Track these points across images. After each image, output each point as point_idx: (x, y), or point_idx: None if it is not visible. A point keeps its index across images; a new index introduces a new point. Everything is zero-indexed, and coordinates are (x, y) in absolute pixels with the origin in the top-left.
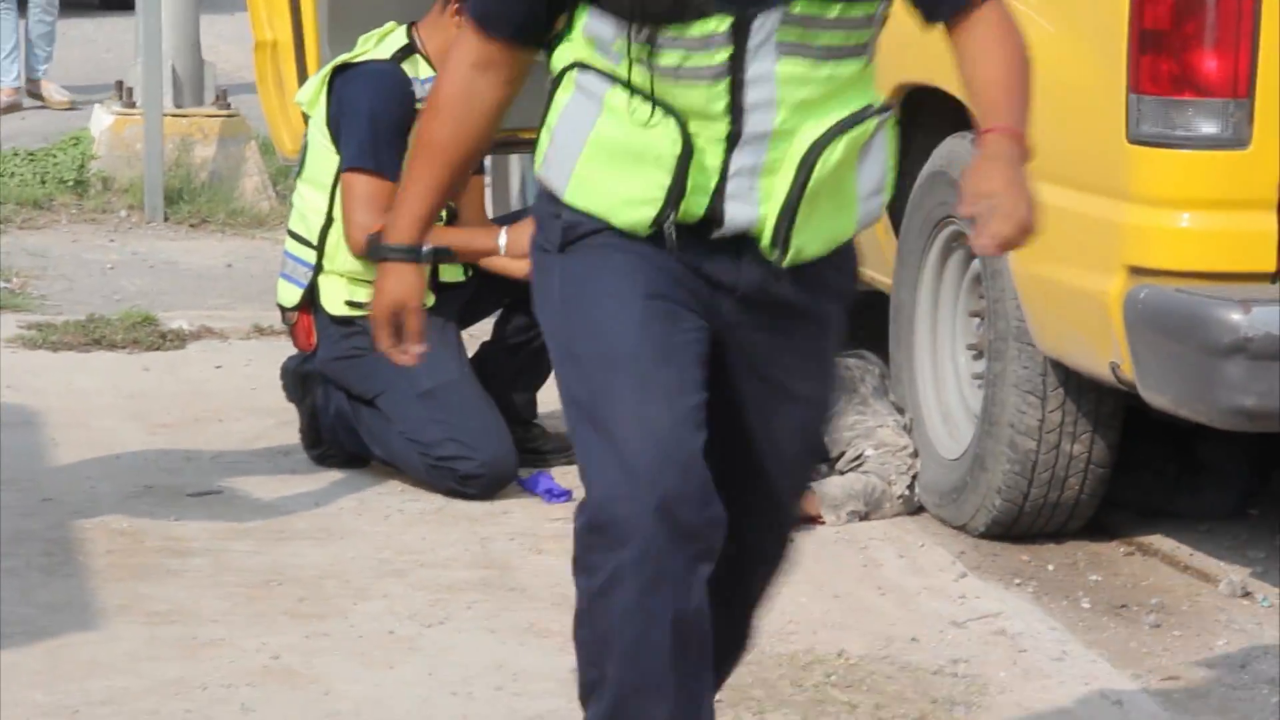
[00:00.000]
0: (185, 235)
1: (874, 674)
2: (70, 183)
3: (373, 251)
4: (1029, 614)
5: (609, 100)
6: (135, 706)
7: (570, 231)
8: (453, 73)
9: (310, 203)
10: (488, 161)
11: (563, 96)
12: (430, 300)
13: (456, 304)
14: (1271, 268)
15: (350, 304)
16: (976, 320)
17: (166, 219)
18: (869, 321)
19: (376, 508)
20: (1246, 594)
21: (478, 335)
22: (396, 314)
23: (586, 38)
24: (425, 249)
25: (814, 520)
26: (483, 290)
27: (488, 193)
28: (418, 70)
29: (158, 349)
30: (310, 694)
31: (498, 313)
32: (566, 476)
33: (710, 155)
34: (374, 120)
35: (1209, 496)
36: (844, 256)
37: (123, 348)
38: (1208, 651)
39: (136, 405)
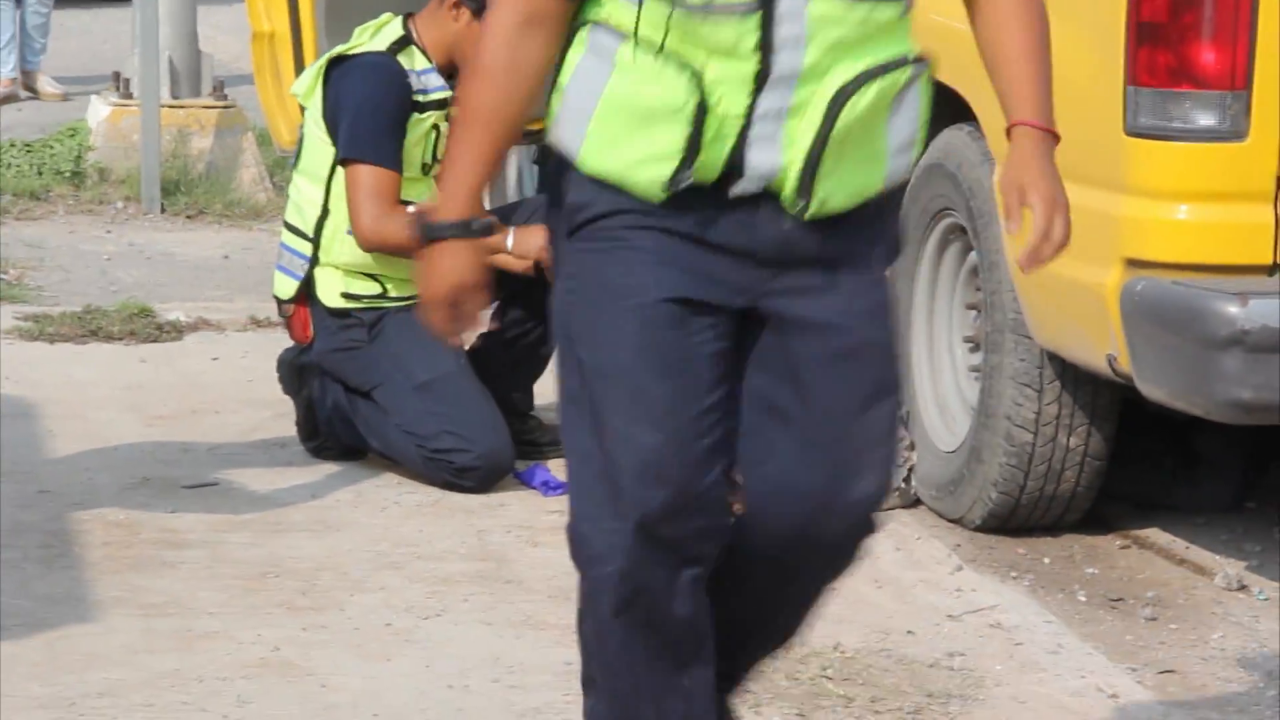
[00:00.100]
0: (182, 226)
1: (870, 667)
2: (67, 174)
3: (426, 231)
4: (1025, 607)
5: (620, 56)
6: (132, 698)
7: (577, 215)
8: (497, 35)
9: (306, 195)
10: None
11: (574, 55)
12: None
13: None
14: (1269, 260)
15: (346, 296)
16: (973, 312)
17: (163, 210)
18: None
19: (373, 500)
20: (1243, 587)
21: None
22: (457, 296)
23: None
24: (479, 223)
25: None
26: None
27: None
28: (414, 62)
29: (154, 340)
30: (307, 686)
31: (495, 305)
32: (563, 469)
33: (734, 100)
34: (372, 111)
35: (1206, 489)
36: (880, 205)
37: (119, 339)
38: (1204, 645)
39: (133, 397)
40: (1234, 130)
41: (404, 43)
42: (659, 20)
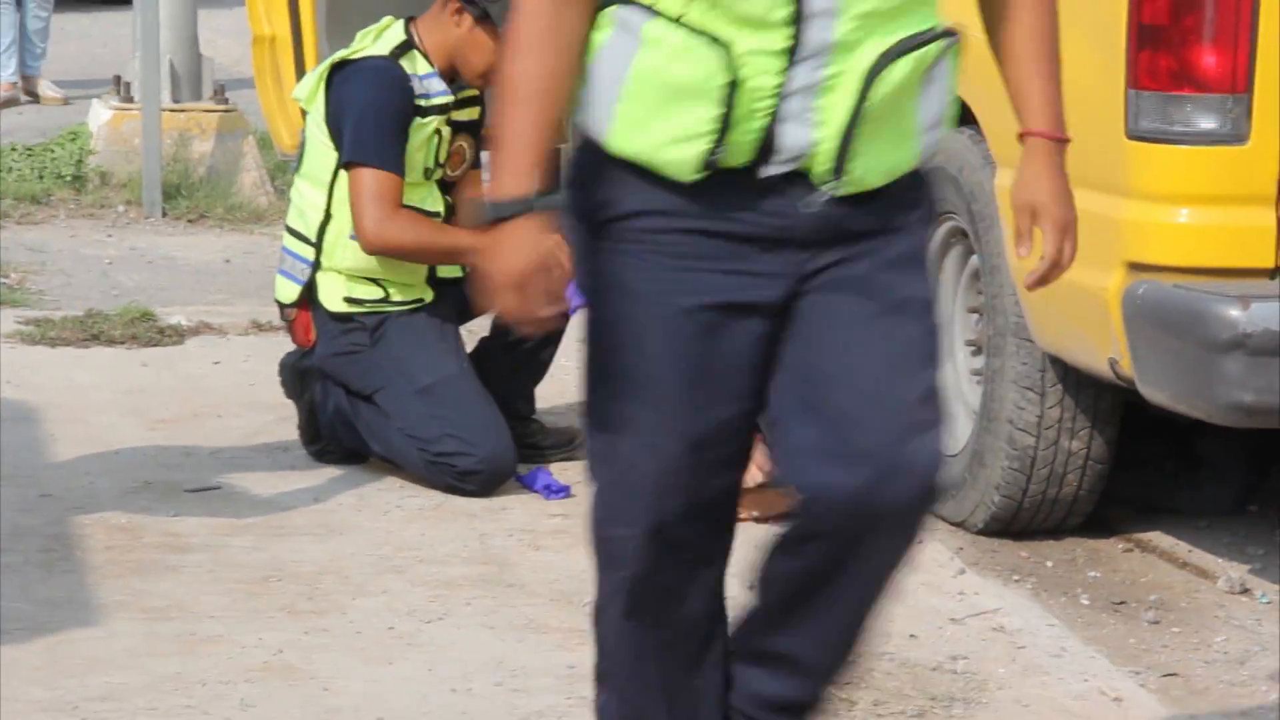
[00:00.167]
0: (183, 230)
1: (872, 670)
2: (68, 178)
3: (487, 212)
4: (1028, 610)
5: (648, 32)
6: (134, 703)
7: (603, 211)
8: (533, 8)
9: (308, 199)
10: (486, 157)
11: (599, 36)
12: (429, 296)
13: (455, 300)
14: (1270, 263)
15: (349, 300)
16: (975, 316)
17: (164, 214)
18: None
19: (375, 504)
20: (1245, 590)
21: (476, 331)
22: (530, 274)
23: None
24: (543, 198)
25: None
26: None
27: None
28: (416, 66)
29: (156, 345)
30: (309, 690)
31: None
32: (565, 472)
33: (764, 76)
34: (375, 115)
35: (1208, 493)
36: (914, 178)
37: (121, 343)
38: (1206, 648)
39: (135, 401)
40: (1235, 133)
41: (406, 47)
42: None
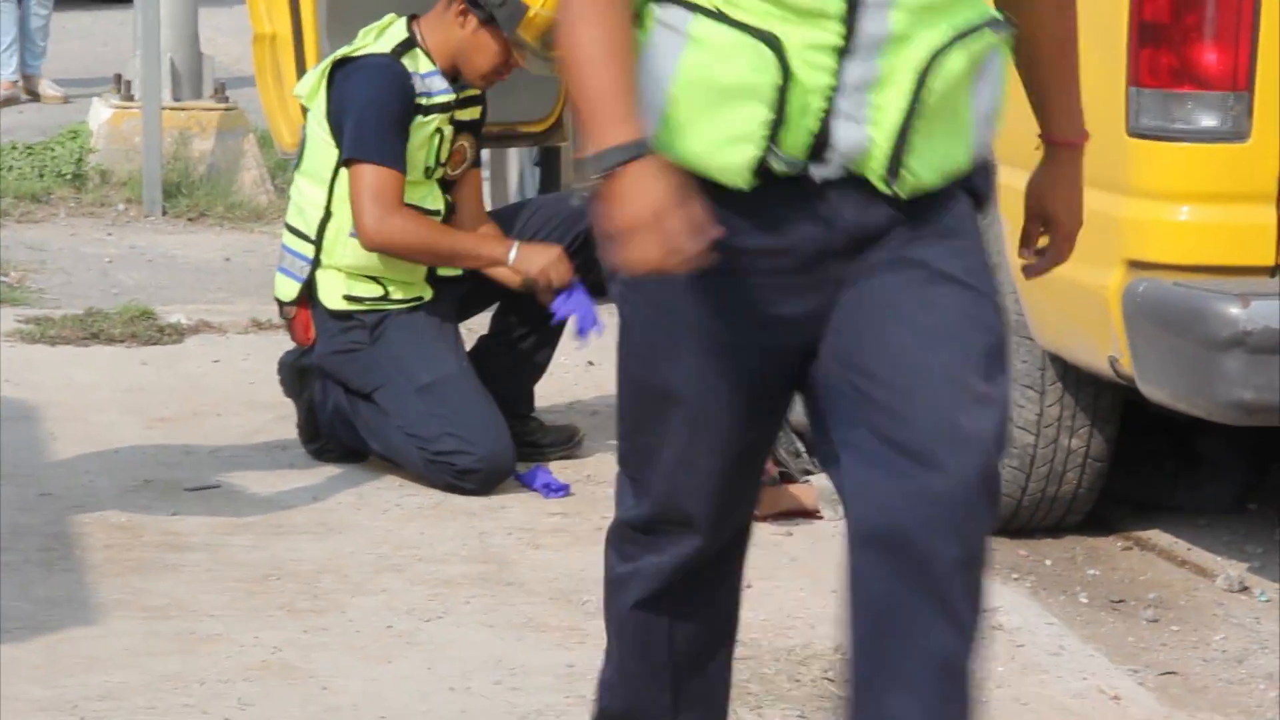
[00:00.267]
0: (183, 229)
1: None
2: (68, 176)
3: (607, 158)
4: (1026, 609)
5: (693, 30)
6: (133, 701)
7: None
8: None
9: (309, 197)
10: (485, 155)
11: (641, 37)
12: (429, 294)
13: (454, 299)
14: (1271, 261)
15: (349, 299)
16: None
17: (165, 213)
18: None
19: (374, 502)
20: (1244, 589)
21: (476, 329)
22: (664, 213)
23: None
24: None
25: (812, 515)
26: (479, 284)
27: (486, 187)
28: (418, 65)
29: (156, 343)
30: (308, 689)
31: (495, 306)
32: (565, 471)
33: (816, 72)
34: (377, 113)
35: (1207, 491)
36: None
37: (121, 342)
38: (1205, 646)
39: (134, 399)
40: (1236, 131)
41: (408, 45)
42: None
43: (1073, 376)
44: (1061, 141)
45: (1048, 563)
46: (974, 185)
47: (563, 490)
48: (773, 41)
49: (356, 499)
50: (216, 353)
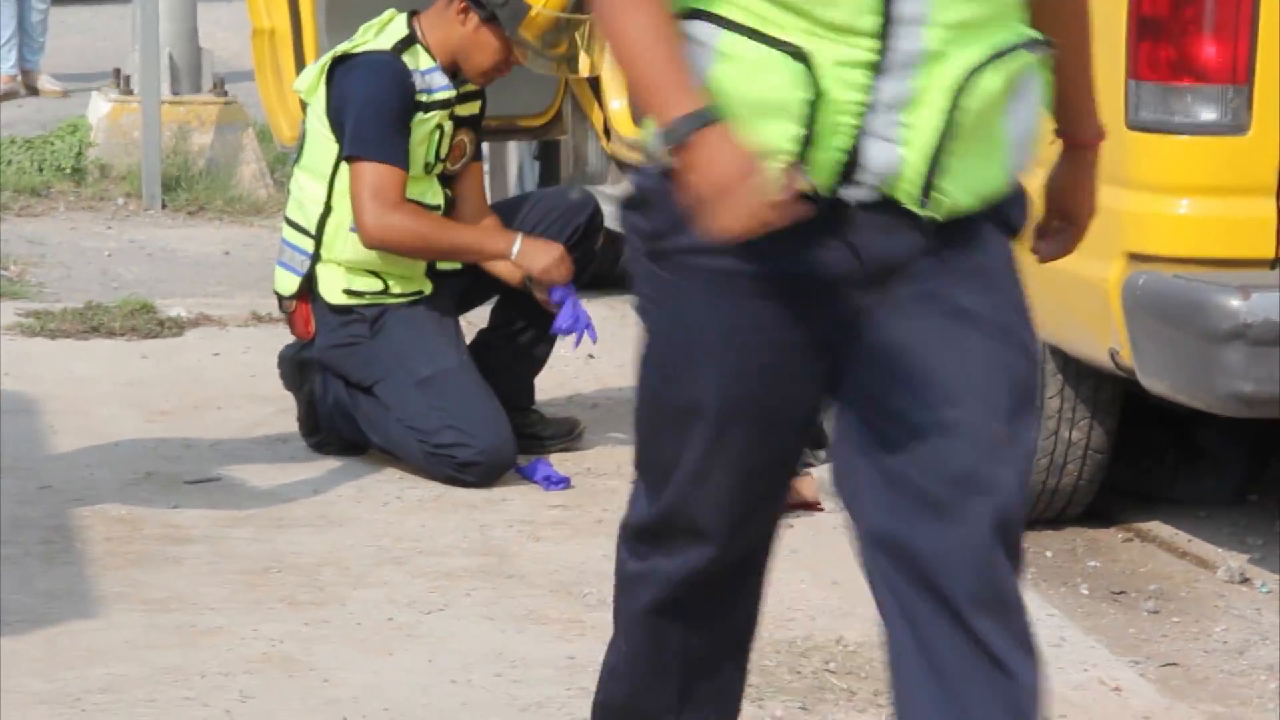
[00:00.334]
0: (183, 223)
1: (872, 660)
2: (68, 170)
3: (681, 126)
4: (1027, 600)
5: (722, 46)
6: (134, 694)
7: (658, 241)
8: None
9: (308, 191)
10: (486, 149)
11: None
12: (429, 288)
13: (453, 292)
14: (1270, 254)
15: (349, 293)
16: None
17: (164, 206)
18: None
19: (375, 495)
20: (1245, 580)
21: (476, 323)
22: (744, 174)
23: None
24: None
25: (813, 507)
26: (479, 277)
27: (486, 180)
28: (418, 62)
29: (156, 336)
30: (309, 681)
31: (494, 299)
32: (565, 463)
33: (848, 89)
34: (377, 109)
35: (1208, 483)
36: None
37: (121, 335)
38: (1206, 638)
39: (135, 393)
40: (1235, 124)
41: (409, 42)
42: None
43: (1073, 369)
44: (1081, 142)
45: (1048, 554)
46: (1008, 216)
47: (563, 483)
48: (804, 57)
49: (357, 492)
50: (216, 346)
